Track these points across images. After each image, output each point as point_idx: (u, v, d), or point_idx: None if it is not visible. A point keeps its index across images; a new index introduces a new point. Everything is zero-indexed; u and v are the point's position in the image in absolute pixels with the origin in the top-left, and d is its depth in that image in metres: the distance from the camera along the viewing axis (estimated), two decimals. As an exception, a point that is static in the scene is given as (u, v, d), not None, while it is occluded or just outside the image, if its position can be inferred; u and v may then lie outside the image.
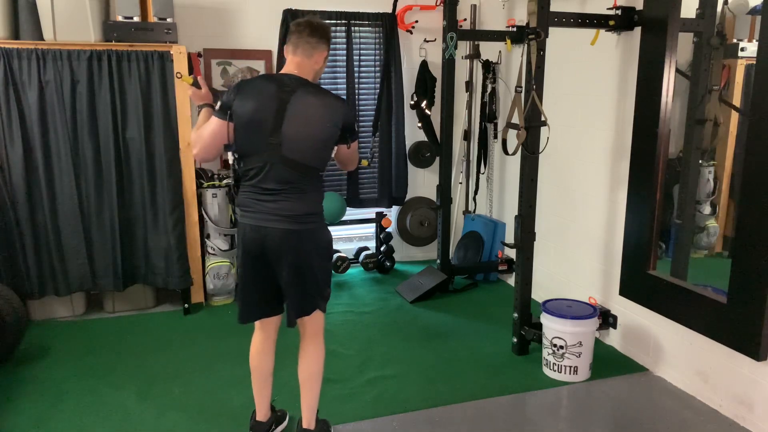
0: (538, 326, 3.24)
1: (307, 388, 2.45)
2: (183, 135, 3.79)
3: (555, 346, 3.08)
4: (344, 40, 4.55)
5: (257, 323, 2.46)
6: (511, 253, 3.92)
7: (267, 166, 2.19)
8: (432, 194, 4.73)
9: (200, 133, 2.27)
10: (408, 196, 4.98)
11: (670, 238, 3.25)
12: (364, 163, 2.88)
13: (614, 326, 3.43)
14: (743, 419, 2.70)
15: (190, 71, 4.00)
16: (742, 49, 2.88)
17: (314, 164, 2.25)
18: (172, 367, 3.22)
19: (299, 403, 2.48)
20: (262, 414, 2.54)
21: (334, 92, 2.42)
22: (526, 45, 3.03)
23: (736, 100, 2.95)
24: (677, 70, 2.93)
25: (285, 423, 2.64)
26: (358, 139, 2.40)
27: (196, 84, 2.39)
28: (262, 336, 2.48)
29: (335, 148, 2.31)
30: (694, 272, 3.06)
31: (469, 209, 5.00)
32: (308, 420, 2.48)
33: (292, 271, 2.26)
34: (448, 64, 4.12)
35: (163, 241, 3.84)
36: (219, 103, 2.24)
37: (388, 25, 4.57)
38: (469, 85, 4.81)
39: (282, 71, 2.30)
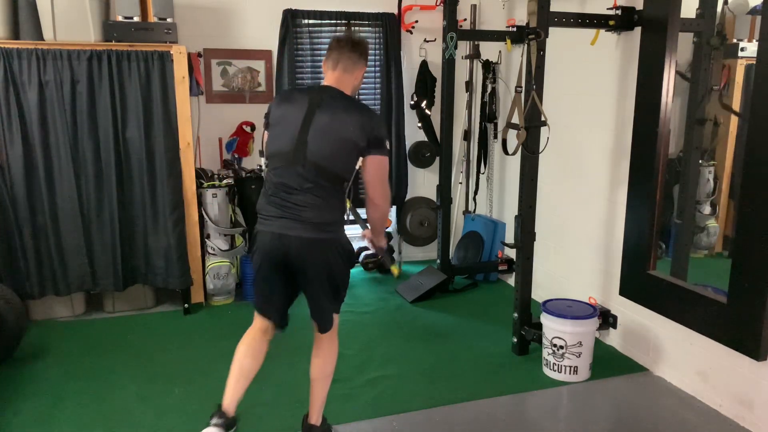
0: (538, 326, 3.24)
1: (319, 387, 2.47)
2: (183, 135, 3.79)
3: (555, 346, 3.08)
4: (344, 40, 4.55)
5: (258, 320, 2.44)
6: (511, 253, 3.92)
7: (290, 167, 2.20)
8: (432, 194, 4.74)
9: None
10: (408, 196, 4.98)
11: (670, 238, 3.25)
12: (394, 271, 3.09)
13: (614, 326, 3.43)
14: (743, 419, 2.70)
15: (190, 71, 4.00)
16: (742, 49, 2.88)
17: (337, 170, 2.22)
18: (172, 367, 3.22)
19: (298, 402, 2.48)
20: (228, 404, 2.39)
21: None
22: (526, 45, 3.03)
23: (736, 100, 2.95)
24: (677, 72, 2.93)
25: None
26: (386, 157, 2.30)
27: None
28: (258, 335, 2.43)
29: (360, 159, 2.28)
30: (694, 272, 3.06)
31: (469, 209, 5.00)
32: (316, 417, 2.51)
33: (317, 280, 2.28)
34: (448, 64, 4.12)
35: (163, 241, 3.84)
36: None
37: (388, 25, 4.57)
38: (469, 85, 4.81)
39: (322, 84, 2.33)
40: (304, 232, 2.20)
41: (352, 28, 4.52)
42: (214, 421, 2.35)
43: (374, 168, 2.28)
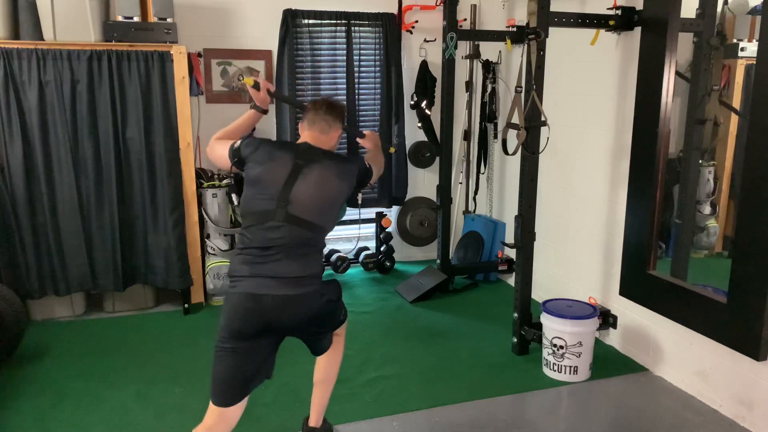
0: (538, 326, 3.24)
1: (323, 389, 2.47)
2: (183, 135, 3.79)
3: (555, 346, 3.08)
4: (344, 40, 4.55)
5: (226, 414, 2.10)
6: (511, 253, 3.92)
7: (268, 223, 2.06)
8: (432, 194, 4.73)
9: (213, 142, 2.31)
10: (408, 196, 4.98)
11: (670, 238, 3.25)
12: (391, 150, 2.87)
13: (614, 326, 3.43)
14: (743, 419, 2.70)
15: (191, 71, 4.01)
16: (742, 49, 2.88)
17: (320, 223, 2.13)
18: (172, 367, 3.22)
19: (298, 402, 2.48)
20: None
21: (345, 155, 2.39)
22: (526, 45, 3.03)
23: (736, 100, 2.95)
24: (677, 73, 2.93)
25: None
26: (372, 170, 2.34)
27: (256, 86, 2.40)
28: (234, 417, 2.14)
29: (360, 194, 2.29)
30: (694, 272, 3.06)
31: (469, 209, 5.00)
32: (317, 419, 2.51)
33: (307, 331, 2.22)
34: (448, 64, 4.12)
35: (163, 241, 3.84)
36: (235, 146, 2.21)
37: (388, 25, 4.57)
38: (469, 85, 4.81)
39: (299, 141, 2.28)
40: (282, 290, 2.02)
41: (352, 28, 4.52)
42: None
43: (373, 180, 2.39)
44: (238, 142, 2.22)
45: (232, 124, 2.38)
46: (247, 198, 2.14)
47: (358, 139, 2.56)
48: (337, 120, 2.28)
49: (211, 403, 2.09)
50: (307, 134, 2.27)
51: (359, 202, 2.40)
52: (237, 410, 2.10)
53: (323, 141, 2.26)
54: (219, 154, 2.27)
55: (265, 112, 2.44)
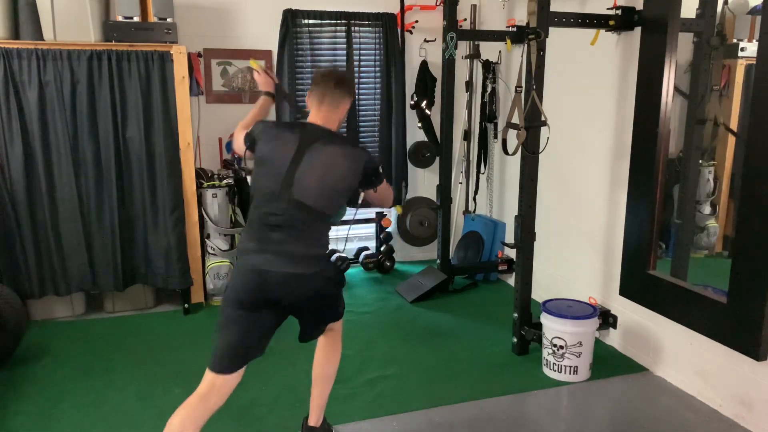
0: (538, 326, 3.24)
1: (321, 388, 2.47)
2: (183, 135, 3.79)
3: (555, 346, 3.08)
4: (344, 40, 4.55)
5: (226, 380, 2.13)
6: (511, 253, 3.92)
7: (274, 204, 2.12)
8: (432, 194, 4.73)
9: (236, 133, 2.39)
10: (408, 196, 4.98)
11: (670, 238, 3.25)
12: (398, 210, 2.87)
13: (614, 326, 3.43)
14: (743, 419, 2.70)
15: (191, 71, 4.00)
16: (742, 49, 2.88)
17: (322, 209, 2.16)
18: (172, 367, 3.22)
19: (298, 402, 2.48)
20: None
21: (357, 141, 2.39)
22: (526, 45, 3.03)
23: (736, 101, 2.95)
24: (675, 89, 2.93)
25: None
26: (385, 179, 2.34)
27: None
28: (230, 387, 2.16)
29: (362, 193, 2.30)
30: (694, 272, 3.06)
31: (469, 209, 5.00)
32: (316, 418, 2.51)
33: (308, 311, 2.24)
34: (448, 64, 4.12)
35: (163, 241, 3.84)
36: (249, 131, 2.28)
37: (388, 25, 4.56)
38: (469, 85, 4.81)
39: (308, 120, 2.28)
40: (286, 267, 2.09)
41: (352, 28, 4.52)
42: None
43: (380, 193, 2.34)
44: (252, 127, 2.30)
45: (249, 114, 2.46)
46: (256, 176, 2.22)
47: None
48: (347, 93, 2.30)
49: (207, 370, 2.11)
50: (315, 110, 2.27)
51: (359, 201, 2.39)
52: (232, 379, 2.12)
53: (333, 116, 2.27)
54: (238, 142, 2.36)
55: (273, 97, 2.54)
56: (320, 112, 2.25)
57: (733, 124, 2.96)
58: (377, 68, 4.66)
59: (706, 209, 3.12)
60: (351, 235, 5.01)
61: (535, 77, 3.02)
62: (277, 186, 2.12)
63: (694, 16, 3.01)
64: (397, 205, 3.31)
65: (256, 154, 2.22)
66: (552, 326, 3.09)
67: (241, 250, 2.18)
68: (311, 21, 4.45)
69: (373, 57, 4.66)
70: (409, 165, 4.92)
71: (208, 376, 2.11)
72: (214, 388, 2.10)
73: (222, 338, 2.13)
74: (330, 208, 2.19)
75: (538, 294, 3.88)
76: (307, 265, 2.13)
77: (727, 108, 2.98)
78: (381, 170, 2.30)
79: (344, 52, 4.57)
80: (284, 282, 2.09)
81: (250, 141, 2.25)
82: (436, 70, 4.56)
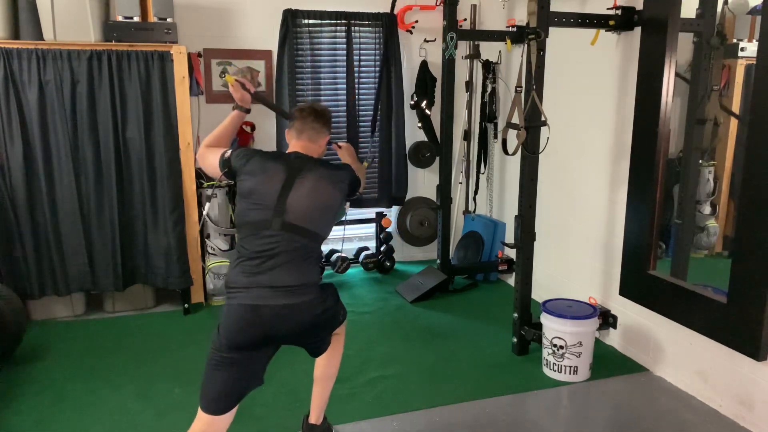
0: (538, 326, 3.24)
1: (322, 387, 2.47)
2: (183, 135, 3.79)
3: (555, 346, 3.08)
4: (344, 40, 4.55)
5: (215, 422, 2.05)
6: (511, 253, 3.92)
7: (265, 232, 2.05)
8: (432, 194, 4.73)
9: (203, 150, 2.32)
10: (408, 196, 4.98)
11: (670, 238, 3.25)
12: (365, 164, 2.82)
13: (614, 326, 3.43)
14: (743, 419, 2.70)
15: (191, 71, 4.00)
16: (742, 49, 2.88)
17: (315, 229, 2.12)
18: (172, 367, 3.22)
19: (298, 402, 2.48)
20: None
21: (335, 162, 2.38)
22: (526, 45, 3.03)
23: (736, 101, 2.95)
24: (677, 74, 2.93)
25: None
26: (360, 182, 2.38)
27: (243, 87, 2.42)
28: (228, 423, 2.08)
29: (347, 203, 2.31)
30: (694, 272, 3.06)
31: (469, 209, 5.00)
32: (317, 416, 2.52)
33: (308, 338, 2.21)
34: (448, 64, 4.12)
35: (163, 241, 3.84)
36: (225, 156, 2.22)
37: (388, 25, 4.56)
38: (469, 85, 4.81)
39: (288, 151, 2.27)
40: (281, 299, 2.00)
41: (352, 28, 4.52)
42: None
43: (360, 190, 2.40)
44: (228, 152, 2.23)
45: (218, 128, 2.39)
46: (242, 210, 2.13)
47: (335, 148, 2.58)
48: (324, 127, 2.30)
49: (200, 409, 2.03)
50: (295, 143, 2.28)
51: (346, 210, 2.41)
52: (227, 418, 2.06)
53: (312, 149, 2.28)
54: (210, 162, 2.28)
55: (247, 111, 2.44)
56: (299, 145, 2.27)
57: (733, 124, 2.96)
58: (377, 68, 4.66)
59: (706, 209, 3.13)
60: (351, 235, 5.02)
61: (535, 77, 3.02)
62: (268, 215, 2.06)
63: (694, 16, 3.01)
64: (365, 161, 3.28)
65: (240, 187, 2.15)
66: (552, 326, 3.09)
67: (231, 286, 2.06)
68: (311, 21, 4.45)
69: (373, 57, 4.66)
70: (409, 165, 4.92)
71: (202, 416, 2.03)
72: (209, 428, 2.03)
73: (216, 381, 2.02)
74: (324, 228, 2.18)
75: (538, 294, 3.88)
76: (303, 293, 2.05)
77: (727, 107, 2.98)
78: (357, 176, 2.34)
79: (344, 52, 4.57)
80: (280, 315, 2.01)
81: (227, 168, 2.20)
82: (436, 70, 4.56)
